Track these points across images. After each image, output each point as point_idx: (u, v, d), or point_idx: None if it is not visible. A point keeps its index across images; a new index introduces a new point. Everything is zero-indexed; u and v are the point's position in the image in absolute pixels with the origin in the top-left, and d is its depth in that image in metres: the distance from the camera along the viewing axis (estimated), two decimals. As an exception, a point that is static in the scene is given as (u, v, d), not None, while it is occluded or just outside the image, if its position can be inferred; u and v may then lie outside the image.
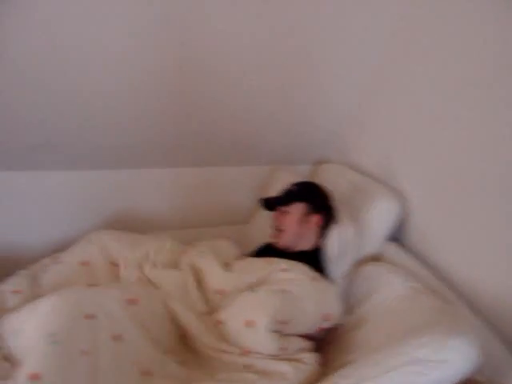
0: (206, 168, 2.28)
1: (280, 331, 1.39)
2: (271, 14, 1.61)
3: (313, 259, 1.66)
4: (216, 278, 1.59)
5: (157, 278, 1.60)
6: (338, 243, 1.70)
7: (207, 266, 1.63)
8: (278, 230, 1.73)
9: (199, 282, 1.63)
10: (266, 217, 1.94)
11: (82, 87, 1.67)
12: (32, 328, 1.27)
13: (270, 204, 1.78)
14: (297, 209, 1.70)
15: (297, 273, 1.51)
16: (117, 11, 1.45)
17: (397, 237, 1.83)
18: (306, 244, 1.71)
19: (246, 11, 1.57)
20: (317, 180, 1.97)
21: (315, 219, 1.69)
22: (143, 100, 1.80)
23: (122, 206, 2.21)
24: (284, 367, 1.33)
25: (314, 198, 1.73)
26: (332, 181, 2.04)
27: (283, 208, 1.74)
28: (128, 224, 2.04)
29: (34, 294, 1.58)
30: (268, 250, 1.76)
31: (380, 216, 1.76)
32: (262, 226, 1.99)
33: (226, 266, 1.65)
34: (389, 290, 1.52)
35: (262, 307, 1.38)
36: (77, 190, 2.12)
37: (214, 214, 2.32)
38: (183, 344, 1.48)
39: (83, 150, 2.00)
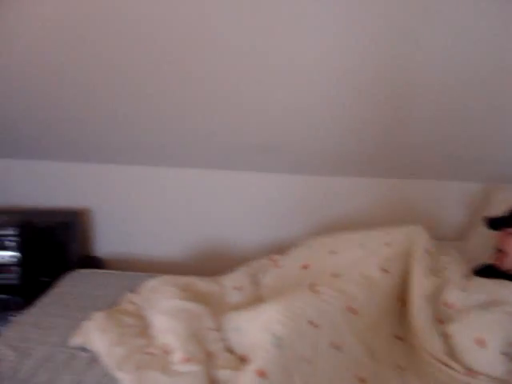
0: (416, 180, 2.28)
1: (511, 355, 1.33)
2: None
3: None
4: (452, 291, 1.56)
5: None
6: None
7: (450, 278, 1.61)
8: (502, 252, 1.65)
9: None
10: (484, 236, 1.86)
11: (308, 95, 1.82)
12: (257, 328, 1.36)
13: (496, 224, 1.71)
14: None
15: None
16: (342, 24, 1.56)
17: None
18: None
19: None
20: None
21: None
22: (363, 109, 1.88)
23: (330, 213, 2.30)
24: (513, 393, 1.27)
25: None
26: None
27: (509, 229, 1.65)
28: (336, 231, 2.12)
29: (254, 293, 1.72)
30: (490, 272, 1.68)
31: None
32: (481, 245, 1.91)
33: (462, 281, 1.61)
34: None
35: (496, 328, 1.35)
36: (294, 194, 2.28)
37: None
38: (407, 348, 1.49)
39: (302, 156, 2.15)
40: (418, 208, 2.30)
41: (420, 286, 1.56)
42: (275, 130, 2.02)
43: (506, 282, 1.54)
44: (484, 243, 1.87)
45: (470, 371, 1.36)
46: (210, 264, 2.20)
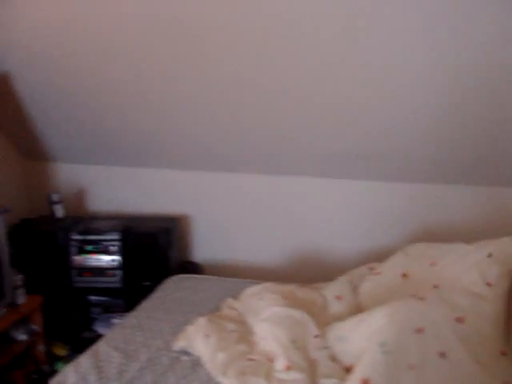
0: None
1: None
2: None
3: None
4: None
5: None
6: None
7: None
8: None
9: None
10: None
11: (408, 103, 1.75)
12: (363, 337, 1.33)
13: None
14: None
15: None
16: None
17: None
18: None
19: None
20: None
21: None
22: (463, 116, 1.78)
23: (428, 220, 2.18)
24: None
25: None
26: None
27: None
28: (433, 240, 2.00)
29: (355, 302, 1.67)
30: None
31: None
32: None
33: None
34: None
35: None
36: (390, 201, 2.19)
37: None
38: (509, 364, 1.35)
39: (400, 163, 2.06)
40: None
41: None
42: (373, 139, 1.96)
43: None
44: None
45: None
46: (306, 271, 2.17)
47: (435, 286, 1.60)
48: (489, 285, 1.48)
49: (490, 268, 1.51)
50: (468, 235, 1.85)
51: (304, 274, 1.97)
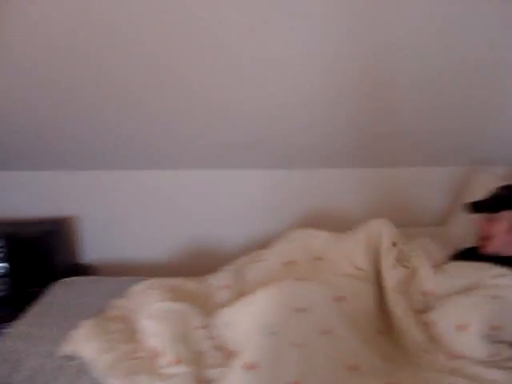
0: (396, 168, 2.30)
1: (492, 337, 1.35)
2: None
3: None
4: (426, 279, 1.59)
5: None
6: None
7: (419, 266, 1.64)
8: (485, 238, 1.68)
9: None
10: (465, 220, 1.89)
11: (291, 90, 1.83)
12: (248, 320, 1.39)
13: (477, 209, 1.72)
14: (507, 217, 1.63)
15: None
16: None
17: None
18: (513, 250, 1.62)
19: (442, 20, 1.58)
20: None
21: None
22: (332, 105, 1.90)
23: (312, 205, 2.33)
24: (495, 374, 1.30)
25: (524, 204, 1.62)
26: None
27: (491, 215, 1.67)
28: (318, 224, 2.15)
29: (241, 289, 1.72)
30: (472, 255, 1.71)
31: None
32: (460, 229, 1.94)
33: (435, 267, 1.65)
34: None
35: (476, 311, 1.37)
36: (279, 188, 2.30)
37: (406, 215, 2.31)
38: (390, 341, 1.52)
39: (284, 150, 2.17)
40: (401, 195, 2.33)
41: (389, 278, 1.60)
42: (259, 127, 2.02)
43: (485, 265, 1.56)
44: (465, 227, 1.89)
45: (453, 355, 1.39)
46: (198, 264, 2.20)
47: (316, 271, 1.73)
48: (359, 270, 1.64)
49: (358, 254, 1.67)
50: (353, 218, 2.03)
51: (197, 268, 2.00)
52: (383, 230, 1.71)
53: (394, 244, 1.70)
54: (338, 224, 2.02)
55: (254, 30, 1.59)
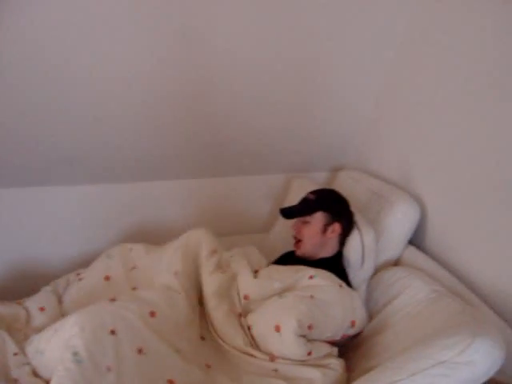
0: (222, 178, 2.33)
1: (306, 336, 1.42)
2: (281, 26, 1.69)
3: (334, 266, 1.68)
4: (245, 283, 1.63)
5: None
6: (359, 249, 1.72)
7: (239, 271, 1.68)
8: (298, 240, 1.76)
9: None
10: (286, 225, 1.97)
11: (99, 101, 1.74)
12: (56, 347, 1.30)
13: (289, 214, 1.79)
14: (316, 219, 1.72)
15: (324, 280, 1.54)
16: (129, 31, 1.55)
17: (414, 240, 1.86)
18: (326, 251, 1.73)
19: (255, 25, 1.66)
20: (334, 187, 2.00)
21: (336, 228, 1.71)
22: (157, 115, 1.87)
23: (139, 219, 2.26)
24: (312, 373, 1.37)
25: (333, 207, 1.74)
26: (349, 187, 2.07)
27: (303, 218, 1.75)
28: (146, 237, 2.09)
29: (58, 311, 1.64)
30: (290, 258, 1.79)
31: (399, 221, 1.78)
32: (283, 235, 2.03)
33: (255, 272, 1.69)
34: (410, 293, 1.55)
35: (289, 312, 1.41)
36: (94, 204, 2.17)
37: (233, 224, 2.36)
38: (212, 346, 1.52)
39: (98, 165, 2.06)
40: (230, 204, 2.37)
41: (207, 285, 1.63)
42: (73, 141, 1.89)
43: (301, 267, 1.64)
44: (285, 232, 1.97)
45: (273, 356, 1.43)
46: (21, 287, 1.98)
47: (133, 288, 1.69)
48: (177, 278, 1.61)
49: (176, 263, 1.66)
50: (181, 229, 1.98)
51: (19, 290, 1.82)
52: (202, 239, 1.74)
53: (215, 251, 1.72)
54: (166, 236, 1.97)
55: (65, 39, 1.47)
